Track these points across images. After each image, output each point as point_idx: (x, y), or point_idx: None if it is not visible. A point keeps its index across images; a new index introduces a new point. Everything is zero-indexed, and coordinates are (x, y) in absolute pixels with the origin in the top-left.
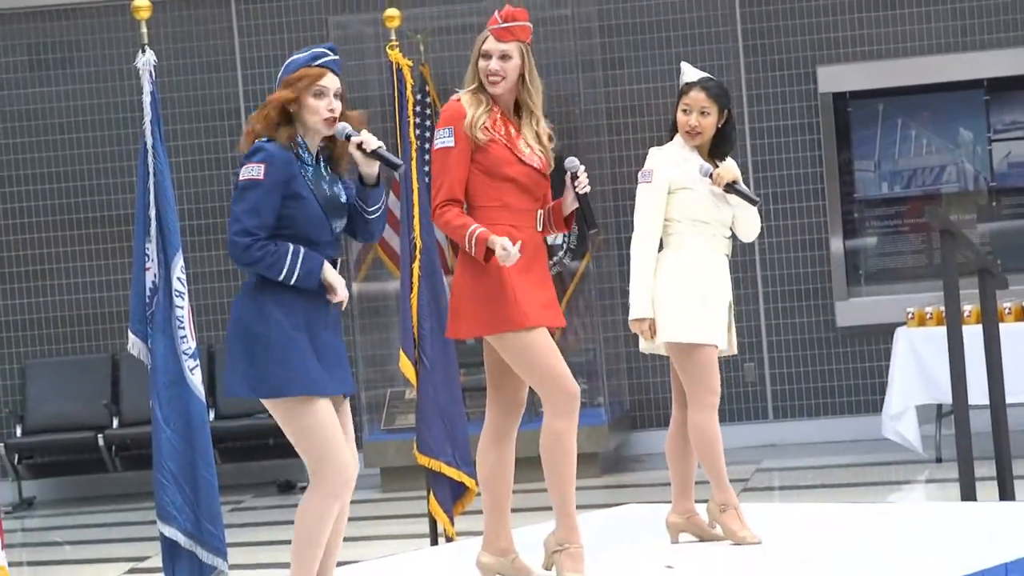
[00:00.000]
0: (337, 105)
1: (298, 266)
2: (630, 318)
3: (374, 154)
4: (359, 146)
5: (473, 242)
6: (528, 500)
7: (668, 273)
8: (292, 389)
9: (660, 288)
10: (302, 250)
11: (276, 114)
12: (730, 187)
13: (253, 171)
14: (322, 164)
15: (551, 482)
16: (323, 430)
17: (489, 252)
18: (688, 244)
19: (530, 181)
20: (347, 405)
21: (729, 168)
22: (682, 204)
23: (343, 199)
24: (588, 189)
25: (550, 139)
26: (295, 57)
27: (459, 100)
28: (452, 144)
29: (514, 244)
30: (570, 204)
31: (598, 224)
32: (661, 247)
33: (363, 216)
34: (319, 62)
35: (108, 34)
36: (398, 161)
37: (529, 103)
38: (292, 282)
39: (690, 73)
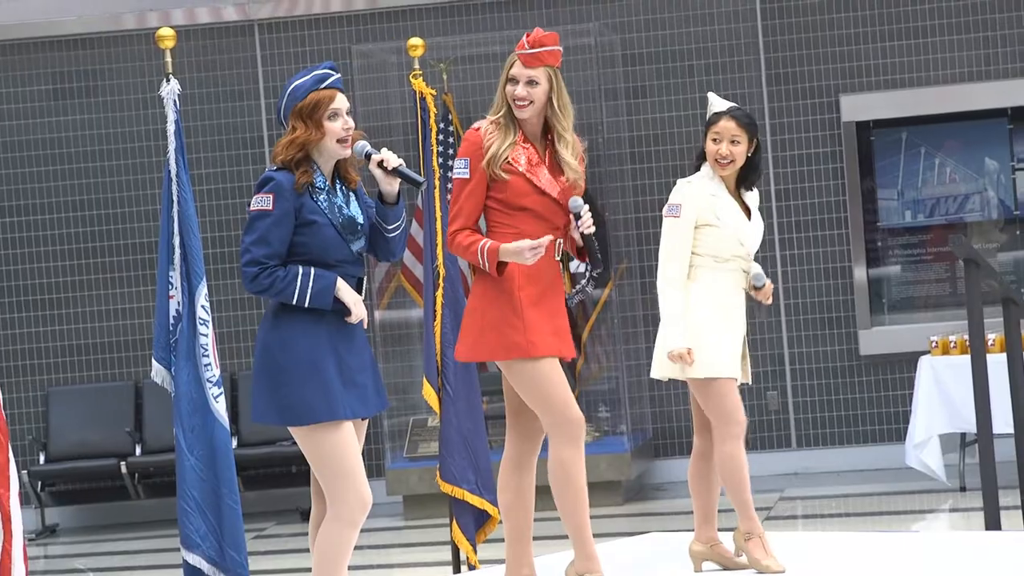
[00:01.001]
0: (351, 122)
1: (309, 287)
2: (667, 349)
3: (395, 171)
4: (380, 164)
5: (485, 256)
6: (550, 528)
7: (688, 310)
8: (314, 416)
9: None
10: (312, 271)
11: (299, 151)
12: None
13: (262, 202)
14: (338, 185)
15: (563, 512)
16: (343, 457)
17: (502, 265)
18: (707, 279)
19: (547, 211)
20: (364, 427)
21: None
22: (706, 240)
23: (360, 219)
24: (592, 230)
25: (582, 161)
26: (297, 82)
27: (479, 130)
28: (468, 176)
29: (529, 271)
30: (578, 240)
31: (603, 264)
32: None
33: (383, 234)
34: (325, 84)
35: (131, 63)
36: (419, 178)
37: (559, 127)
38: (306, 304)
39: (718, 103)
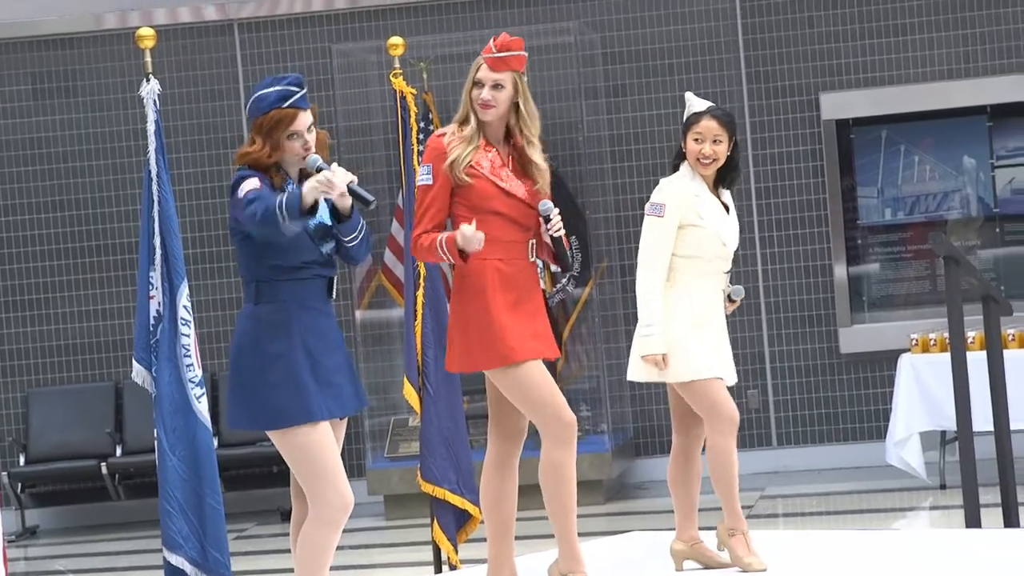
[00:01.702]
0: (312, 139)
1: (283, 207)
2: (642, 354)
3: (347, 190)
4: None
5: (444, 249)
6: (531, 528)
7: (668, 312)
8: (289, 419)
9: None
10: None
11: (254, 163)
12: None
13: (251, 184)
14: None
15: (552, 512)
16: (321, 458)
17: (464, 252)
18: (688, 281)
19: (517, 213)
20: (343, 426)
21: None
22: (689, 240)
23: (329, 222)
24: (561, 232)
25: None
26: (263, 92)
27: (442, 136)
28: (431, 182)
29: (503, 276)
30: (549, 243)
31: (572, 267)
32: None
33: (342, 243)
34: (289, 103)
35: (111, 63)
36: (370, 198)
37: (526, 132)
38: (284, 213)
39: (696, 103)
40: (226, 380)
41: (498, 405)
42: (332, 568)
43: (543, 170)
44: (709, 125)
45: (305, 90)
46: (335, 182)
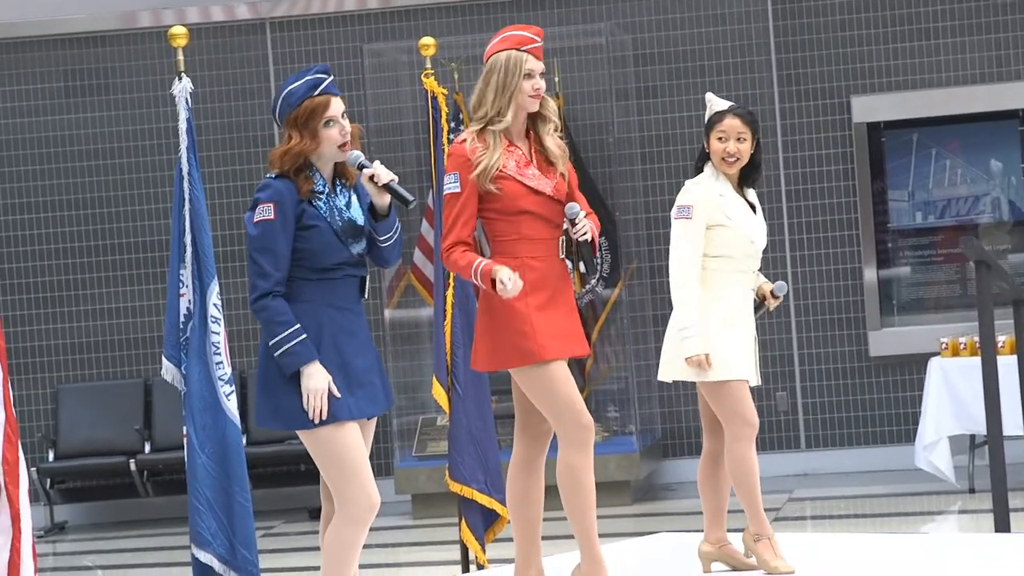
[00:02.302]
0: (347, 127)
1: (289, 346)
2: (685, 356)
3: (386, 187)
4: (371, 178)
5: (479, 276)
6: (560, 528)
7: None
8: (311, 420)
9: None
10: (302, 339)
11: (297, 159)
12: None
13: (265, 212)
14: (338, 186)
15: (570, 515)
16: (349, 458)
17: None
18: (718, 281)
19: (546, 210)
20: (371, 425)
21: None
22: (717, 241)
23: (361, 221)
24: (588, 236)
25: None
26: (291, 87)
27: (464, 143)
28: (458, 190)
29: (516, 273)
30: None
31: (595, 273)
32: None
33: (376, 243)
34: (319, 90)
35: (143, 61)
36: (410, 197)
37: (549, 115)
38: (276, 354)
39: (718, 102)
40: (254, 378)
41: (524, 406)
42: (360, 566)
43: (563, 154)
44: (732, 123)
45: (333, 77)
46: (380, 173)
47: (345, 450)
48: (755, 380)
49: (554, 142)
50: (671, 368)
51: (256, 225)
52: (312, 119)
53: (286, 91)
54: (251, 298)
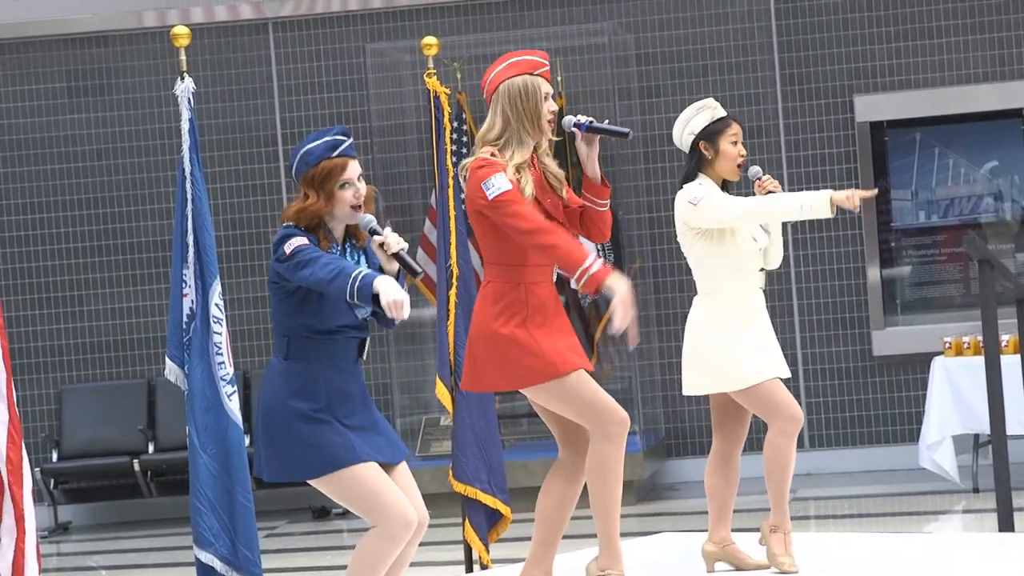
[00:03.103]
0: (363, 189)
1: (356, 289)
2: (836, 198)
3: (395, 256)
4: (380, 245)
5: (586, 277)
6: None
7: (708, 323)
8: (328, 467)
9: (707, 342)
10: (359, 271)
11: (312, 218)
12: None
13: (298, 240)
14: (348, 248)
15: (596, 506)
16: (372, 489)
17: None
18: (724, 287)
19: None
20: (403, 467)
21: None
22: (723, 247)
23: (369, 310)
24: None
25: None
26: (309, 147)
27: (493, 156)
28: (511, 186)
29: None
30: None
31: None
32: (697, 292)
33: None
34: (337, 152)
35: (146, 61)
36: (418, 268)
37: (545, 141)
38: (354, 292)
39: (717, 107)
40: (258, 378)
41: (554, 419)
42: None
43: (561, 176)
44: (738, 128)
45: (351, 140)
46: (390, 242)
47: (365, 482)
48: (786, 372)
49: (554, 165)
50: (697, 382)
51: (291, 250)
52: (328, 180)
53: (304, 150)
54: (309, 279)
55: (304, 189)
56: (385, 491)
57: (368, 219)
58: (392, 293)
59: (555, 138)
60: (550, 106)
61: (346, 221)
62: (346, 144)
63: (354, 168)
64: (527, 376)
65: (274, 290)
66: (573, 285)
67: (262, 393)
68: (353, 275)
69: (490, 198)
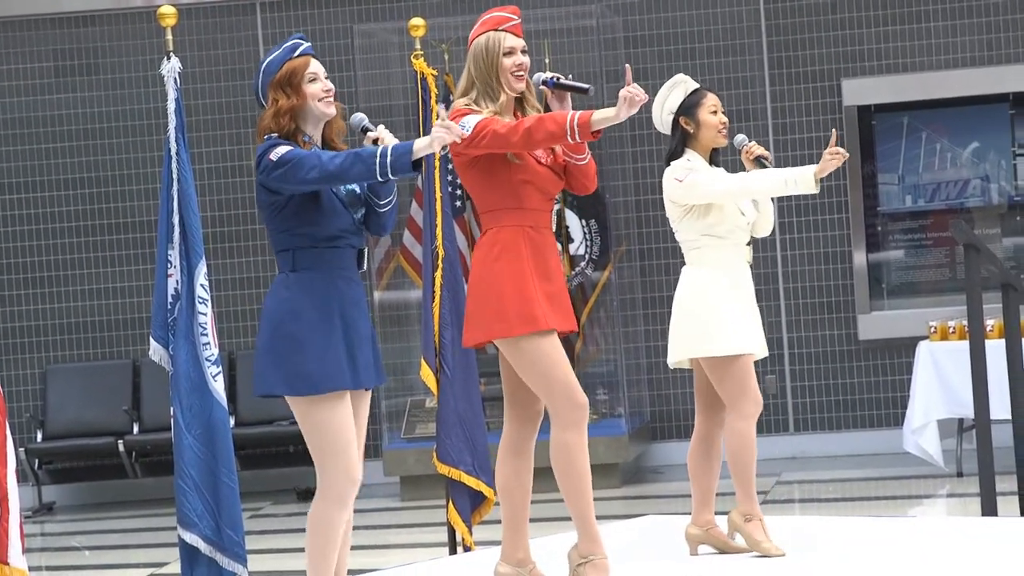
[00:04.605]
0: (330, 84)
1: (389, 157)
2: (810, 183)
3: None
4: (374, 142)
5: (575, 126)
6: (547, 510)
7: (694, 290)
8: (322, 384)
9: (688, 306)
10: (384, 147)
11: (289, 121)
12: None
13: (283, 147)
14: None
15: (567, 495)
16: (339, 433)
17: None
18: (712, 259)
19: (543, 181)
20: (367, 398)
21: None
22: (709, 219)
23: (357, 190)
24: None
25: None
26: (271, 57)
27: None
28: (481, 116)
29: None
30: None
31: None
32: (686, 263)
33: (374, 209)
34: (297, 53)
35: (132, 41)
36: (415, 172)
37: (531, 96)
38: (387, 168)
39: (689, 80)
40: (244, 359)
41: (514, 388)
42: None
43: None
44: (715, 97)
45: (310, 43)
46: (384, 137)
47: (337, 425)
48: (763, 351)
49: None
50: (680, 348)
51: (277, 157)
52: (294, 76)
53: (265, 63)
54: (318, 177)
55: (272, 95)
56: (346, 447)
57: (359, 117)
58: (435, 130)
59: (519, 89)
60: (515, 60)
61: (321, 121)
62: (306, 45)
63: (317, 65)
64: (512, 322)
65: (265, 208)
66: (572, 140)
67: (266, 306)
68: (378, 153)
69: (468, 132)
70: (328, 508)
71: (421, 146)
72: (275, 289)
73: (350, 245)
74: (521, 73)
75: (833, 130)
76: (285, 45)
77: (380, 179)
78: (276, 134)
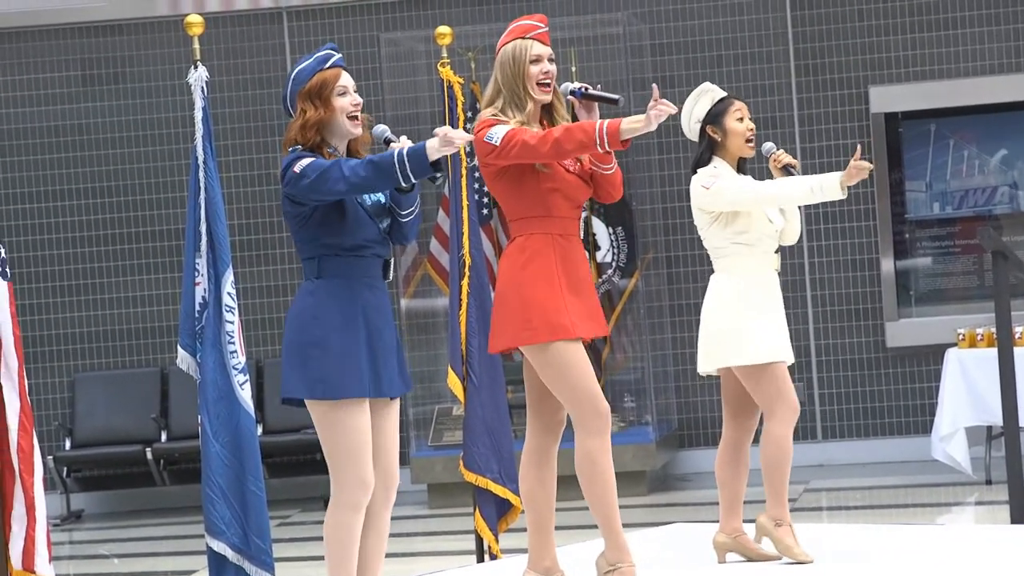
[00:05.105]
0: (359, 99)
1: (406, 160)
2: (836, 189)
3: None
4: None
5: (604, 134)
6: (574, 518)
7: (723, 299)
8: (341, 391)
9: (719, 314)
10: (397, 151)
11: (315, 133)
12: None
13: (307, 159)
14: None
15: (592, 503)
16: (355, 440)
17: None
18: (740, 266)
19: (571, 189)
20: (395, 407)
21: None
22: (737, 226)
23: (383, 200)
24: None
25: None
26: (301, 67)
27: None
28: (510, 126)
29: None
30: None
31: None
32: (714, 270)
33: (396, 219)
34: (329, 64)
35: (160, 50)
36: (437, 174)
37: (559, 105)
38: (406, 170)
39: (715, 89)
40: (271, 367)
41: (538, 396)
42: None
43: None
44: (742, 105)
45: (341, 55)
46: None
47: (352, 433)
48: (792, 359)
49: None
50: (711, 358)
51: (301, 169)
52: (324, 88)
53: (296, 71)
54: (343, 189)
55: (301, 105)
56: (361, 452)
57: (382, 128)
58: (442, 133)
59: (546, 98)
60: (543, 67)
61: (347, 135)
62: (336, 57)
63: (347, 78)
64: (539, 329)
65: (291, 219)
66: (601, 150)
67: (292, 311)
68: (395, 156)
69: (497, 143)
70: (343, 515)
71: (432, 146)
72: (300, 295)
73: (375, 255)
74: (548, 81)
75: (859, 144)
76: (317, 55)
77: (404, 184)
78: (301, 146)
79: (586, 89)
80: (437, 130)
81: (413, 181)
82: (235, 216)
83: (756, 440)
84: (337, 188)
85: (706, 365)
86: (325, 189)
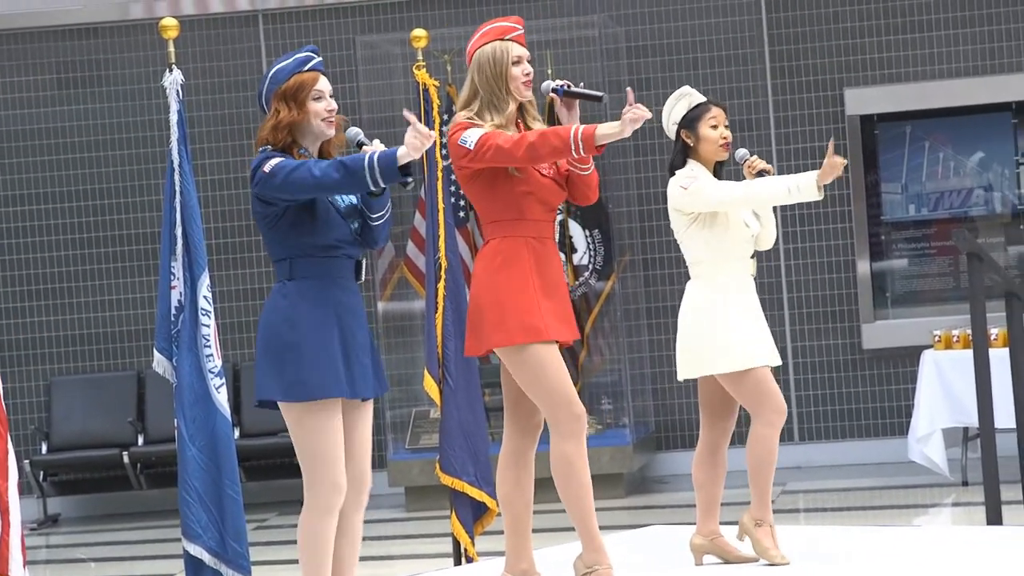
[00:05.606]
0: (334, 105)
1: (376, 164)
2: (812, 190)
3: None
4: None
5: (579, 139)
6: (550, 520)
7: (701, 305)
8: (317, 392)
9: (696, 322)
10: (370, 154)
11: (287, 135)
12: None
13: (276, 159)
14: None
15: (568, 505)
16: (327, 443)
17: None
18: (716, 273)
19: (547, 193)
20: (369, 408)
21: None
22: (713, 232)
23: (354, 201)
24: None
25: None
26: (279, 66)
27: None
28: (485, 130)
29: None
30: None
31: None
32: (690, 276)
33: (366, 222)
34: (308, 67)
35: (135, 53)
36: (407, 179)
37: (531, 107)
38: (376, 174)
39: (695, 93)
40: (247, 370)
41: (515, 399)
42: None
43: None
44: (719, 111)
45: (321, 58)
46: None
47: (326, 435)
48: (777, 360)
49: (542, 127)
50: (690, 365)
51: (270, 169)
52: (301, 91)
53: (274, 70)
54: (313, 189)
55: (275, 105)
56: (334, 458)
57: (355, 131)
58: (414, 132)
59: (528, 98)
60: (523, 69)
61: (320, 138)
62: (316, 60)
63: (325, 83)
64: (518, 332)
65: (261, 219)
66: (576, 156)
67: (264, 314)
68: (365, 160)
69: (471, 147)
70: (316, 518)
71: (403, 153)
72: (272, 297)
73: (347, 256)
74: (529, 83)
75: (831, 140)
76: (297, 56)
77: (374, 188)
78: (272, 146)
79: (568, 87)
80: (414, 133)
81: (383, 185)
82: (211, 219)
83: (733, 442)
84: (306, 189)
85: (685, 372)
86: (294, 189)
